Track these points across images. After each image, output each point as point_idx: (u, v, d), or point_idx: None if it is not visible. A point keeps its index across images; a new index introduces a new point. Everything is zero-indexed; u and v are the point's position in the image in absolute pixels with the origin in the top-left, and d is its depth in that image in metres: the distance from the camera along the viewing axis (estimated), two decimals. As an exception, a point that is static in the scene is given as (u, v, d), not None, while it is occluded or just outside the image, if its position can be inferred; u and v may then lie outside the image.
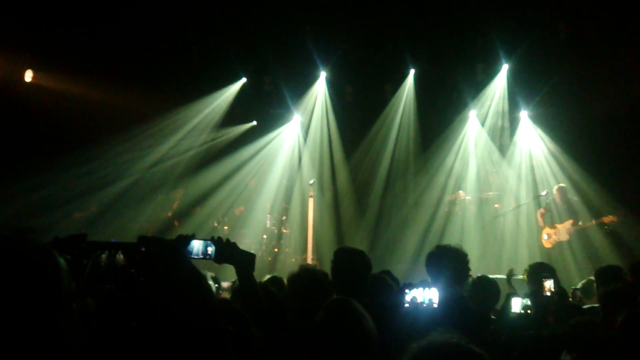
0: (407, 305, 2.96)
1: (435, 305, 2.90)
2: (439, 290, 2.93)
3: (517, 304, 3.70)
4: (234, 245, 2.45)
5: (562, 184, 9.66)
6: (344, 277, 3.24)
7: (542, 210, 9.53)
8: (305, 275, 3.21)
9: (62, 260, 1.17)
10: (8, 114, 9.94)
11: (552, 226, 9.30)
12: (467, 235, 9.95)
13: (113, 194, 10.28)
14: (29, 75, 10.18)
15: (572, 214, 9.25)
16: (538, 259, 8.32)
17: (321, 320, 2.21)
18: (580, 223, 9.17)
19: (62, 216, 9.36)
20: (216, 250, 2.39)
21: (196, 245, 2.37)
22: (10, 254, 1.11)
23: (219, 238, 2.44)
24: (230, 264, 2.46)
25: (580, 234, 9.14)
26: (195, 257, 2.37)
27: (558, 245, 9.12)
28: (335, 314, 2.20)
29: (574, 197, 9.54)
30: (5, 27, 9.20)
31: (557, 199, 9.37)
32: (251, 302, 2.43)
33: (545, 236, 9.34)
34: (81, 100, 10.04)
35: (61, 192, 9.58)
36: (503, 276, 7.89)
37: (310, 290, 3.04)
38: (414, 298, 2.97)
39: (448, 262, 3.48)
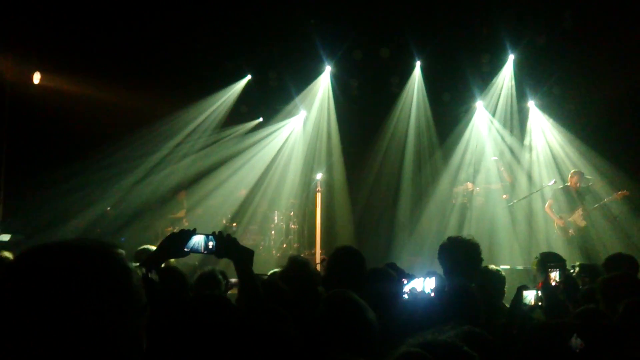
0: (405, 296, 2.97)
1: (433, 295, 2.91)
2: (436, 280, 2.95)
3: (531, 297, 3.66)
4: (234, 240, 2.50)
5: (577, 170, 9.43)
6: (337, 275, 3.30)
7: (550, 202, 9.36)
8: (296, 267, 3.30)
9: (132, 265, 1.08)
10: (17, 115, 10.05)
11: (565, 217, 9.11)
12: (478, 226, 9.92)
13: (123, 193, 10.40)
14: (37, 78, 10.26)
15: (580, 201, 9.07)
16: (560, 248, 8.32)
17: (322, 312, 2.20)
18: (593, 206, 9.01)
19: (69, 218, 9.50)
20: (216, 244, 2.42)
21: (197, 240, 2.43)
22: (77, 255, 1.01)
23: (220, 233, 2.50)
24: (230, 258, 2.50)
25: (597, 215, 9.01)
26: (197, 251, 2.42)
27: (579, 232, 8.92)
28: (337, 306, 2.19)
29: (585, 183, 9.34)
30: (12, 30, 9.29)
31: (572, 184, 9.14)
32: (250, 297, 2.45)
33: (561, 225, 9.14)
34: (90, 101, 10.14)
35: (73, 197, 9.72)
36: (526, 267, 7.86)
37: (300, 281, 3.10)
38: (412, 289, 2.99)
39: (459, 254, 3.48)
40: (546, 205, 9.44)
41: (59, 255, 1.00)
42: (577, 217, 9.02)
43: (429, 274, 3.07)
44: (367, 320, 2.14)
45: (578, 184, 9.11)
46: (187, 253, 2.46)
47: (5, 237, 8.38)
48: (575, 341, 2.54)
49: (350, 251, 3.57)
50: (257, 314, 2.42)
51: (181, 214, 10.67)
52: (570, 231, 9.03)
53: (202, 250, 2.44)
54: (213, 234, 2.47)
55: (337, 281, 3.23)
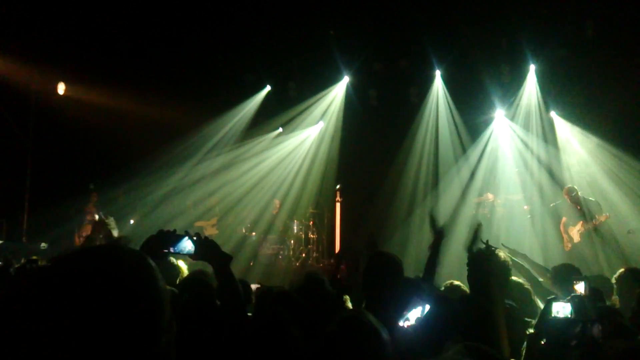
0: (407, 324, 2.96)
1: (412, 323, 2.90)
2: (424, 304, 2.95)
3: (559, 309, 3.61)
4: (213, 243, 2.47)
5: (568, 185, 9.24)
6: (375, 282, 3.26)
7: (564, 219, 9.09)
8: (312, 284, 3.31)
9: (157, 271, 1.02)
10: (42, 125, 10.28)
11: (568, 230, 8.95)
12: (499, 237, 9.76)
13: (154, 202, 10.58)
14: (61, 88, 10.50)
15: (582, 215, 8.81)
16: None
17: (334, 334, 2.11)
18: (592, 222, 8.69)
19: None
20: (195, 246, 2.43)
21: (177, 241, 2.41)
22: (103, 263, 0.96)
23: (198, 234, 2.46)
24: (207, 262, 2.48)
25: (591, 233, 8.69)
26: (176, 252, 2.42)
27: (575, 247, 8.74)
28: (350, 328, 2.10)
29: (589, 197, 9.08)
30: (38, 41, 9.53)
31: (568, 200, 8.95)
32: (231, 301, 2.45)
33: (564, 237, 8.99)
34: (113, 112, 10.32)
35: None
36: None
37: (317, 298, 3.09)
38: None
39: (485, 268, 3.44)
40: (561, 223, 9.17)
41: (98, 260, 0.96)
42: (574, 232, 8.80)
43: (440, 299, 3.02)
44: (380, 343, 2.02)
45: (571, 199, 8.87)
46: (166, 254, 2.44)
47: (44, 245, 8.65)
48: (597, 328, 2.59)
49: (388, 257, 3.54)
50: (239, 318, 2.41)
51: (212, 221, 10.81)
52: (569, 245, 8.82)
53: (182, 251, 2.42)
54: (190, 235, 2.44)
55: (372, 287, 3.22)
